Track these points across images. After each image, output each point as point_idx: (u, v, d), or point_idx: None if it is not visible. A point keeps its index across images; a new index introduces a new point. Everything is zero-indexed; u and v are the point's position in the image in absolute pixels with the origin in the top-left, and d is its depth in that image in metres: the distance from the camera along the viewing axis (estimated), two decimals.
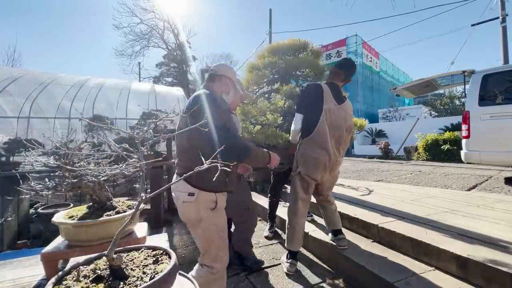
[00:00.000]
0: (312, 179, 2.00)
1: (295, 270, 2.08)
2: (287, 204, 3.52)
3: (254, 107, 3.45)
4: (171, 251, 0.77)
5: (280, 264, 2.26)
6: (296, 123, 2.04)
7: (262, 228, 3.25)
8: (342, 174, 6.57)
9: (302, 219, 2.08)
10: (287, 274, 2.07)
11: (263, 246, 2.67)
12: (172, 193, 1.38)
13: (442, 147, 7.35)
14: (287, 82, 3.73)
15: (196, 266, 1.40)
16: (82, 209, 1.11)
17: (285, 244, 2.13)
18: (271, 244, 2.71)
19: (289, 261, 2.08)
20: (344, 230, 2.36)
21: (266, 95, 3.92)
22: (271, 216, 2.98)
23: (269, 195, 2.96)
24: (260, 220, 3.63)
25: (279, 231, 3.10)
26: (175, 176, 1.42)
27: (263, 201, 4.05)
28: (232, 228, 2.35)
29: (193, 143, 1.31)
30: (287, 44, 3.87)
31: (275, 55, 3.84)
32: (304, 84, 3.86)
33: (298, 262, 2.26)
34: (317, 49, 3.98)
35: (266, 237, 2.87)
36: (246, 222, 2.23)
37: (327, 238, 2.39)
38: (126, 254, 0.80)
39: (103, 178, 1.03)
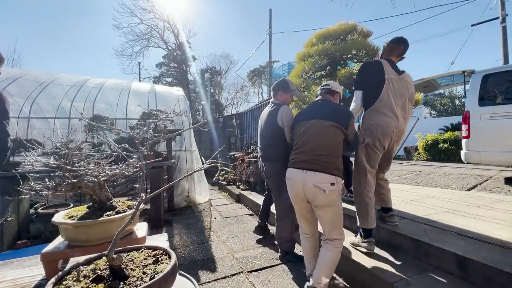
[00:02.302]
0: (381, 146, 2.01)
1: (374, 248, 2.02)
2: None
3: (310, 93, 3.61)
4: (171, 251, 0.77)
5: (280, 264, 2.26)
6: (357, 101, 2.11)
7: None
8: None
9: (373, 193, 2.05)
10: (367, 254, 2.00)
11: (263, 246, 2.67)
12: (307, 185, 1.67)
13: (440, 146, 7.35)
14: (340, 66, 3.82)
15: (327, 242, 1.72)
16: (82, 209, 1.11)
17: (358, 223, 2.07)
18: (272, 244, 2.71)
19: (366, 240, 2.02)
20: (343, 230, 2.35)
21: (317, 81, 4.02)
22: None
23: None
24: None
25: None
26: (308, 172, 1.68)
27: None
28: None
29: (339, 142, 1.78)
30: (335, 29, 3.91)
31: (325, 41, 3.90)
32: (353, 66, 3.95)
33: (298, 262, 2.26)
34: (366, 30, 3.97)
35: None
36: (284, 219, 2.30)
37: None
38: (126, 254, 0.80)
39: (103, 178, 1.03)
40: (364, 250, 2.03)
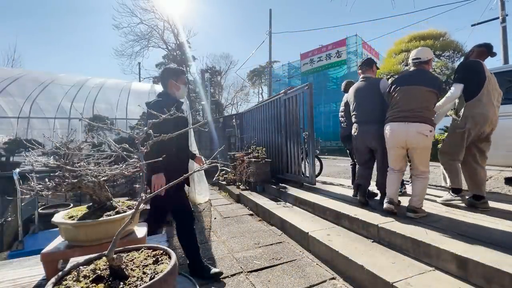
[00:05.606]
0: (479, 132, 2.48)
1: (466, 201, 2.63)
2: (288, 204, 3.51)
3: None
4: (171, 251, 0.77)
5: (280, 264, 2.26)
6: (455, 92, 2.51)
7: (261, 229, 3.25)
8: (342, 174, 6.57)
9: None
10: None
11: (263, 246, 2.67)
12: (411, 133, 2.28)
13: (440, 146, 7.36)
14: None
15: (419, 176, 2.38)
16: (82, 209, 1.11)
17: (449, 185, 2.76)
18: (271, 245, 2.72)
19: (457, 196, 2.65)
20: (343, 230, 2.36)
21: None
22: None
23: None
24: (260, 220, 3.63)
25: (277, 230, 3.10)
26: (411, 124, 2.31)
27: (262, 201, 4.05)
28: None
29: (433, 103, 2.38)
30: (425, 33, 4.48)
31: (420, 40, 4.52)
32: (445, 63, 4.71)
33: (299, 262, 2.27)
34: (451, 39, 4.58)
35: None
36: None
37: (325, 238, 2.39)
38: (126, 254, 0.80)
39: (103, 178, 1.03)
40: (459, 203, 2.57)
